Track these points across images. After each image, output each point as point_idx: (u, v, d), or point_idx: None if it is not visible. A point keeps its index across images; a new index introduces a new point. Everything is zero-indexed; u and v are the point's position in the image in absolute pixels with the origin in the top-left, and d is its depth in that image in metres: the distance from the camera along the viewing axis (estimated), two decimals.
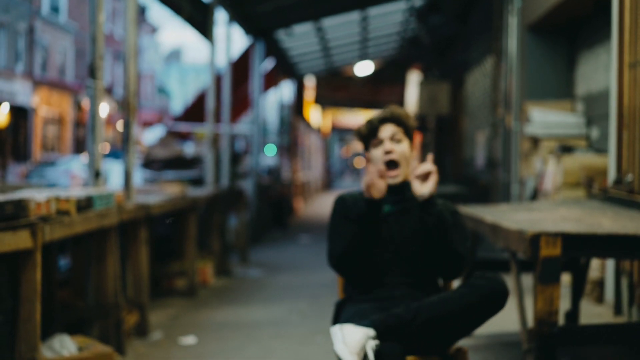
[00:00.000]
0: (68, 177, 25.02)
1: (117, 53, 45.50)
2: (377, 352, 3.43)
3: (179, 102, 63.92)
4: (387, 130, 3.86)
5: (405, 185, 3.87)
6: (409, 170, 3.85)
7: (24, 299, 4.84)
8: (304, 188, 29.64)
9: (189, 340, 7.10)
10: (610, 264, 7.39)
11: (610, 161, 7.27)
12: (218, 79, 13.05)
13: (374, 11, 17.59)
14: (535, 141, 10.09)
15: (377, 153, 3.86)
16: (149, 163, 12.46)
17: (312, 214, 24.94)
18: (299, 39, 19.00)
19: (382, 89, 28.09)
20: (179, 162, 12.58)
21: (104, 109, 6.67)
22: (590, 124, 9.84)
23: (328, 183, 50.99)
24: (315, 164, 40.44)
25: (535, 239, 4.02)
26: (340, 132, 57.52)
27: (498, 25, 13.26)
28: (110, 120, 41.00)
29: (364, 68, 25.22)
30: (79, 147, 39.92)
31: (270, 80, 20.68)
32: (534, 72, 10.99)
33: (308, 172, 34.06)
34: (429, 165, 3.68)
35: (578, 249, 4.12)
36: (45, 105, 36.18)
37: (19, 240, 4.62)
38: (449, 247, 3.67)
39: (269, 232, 17.35)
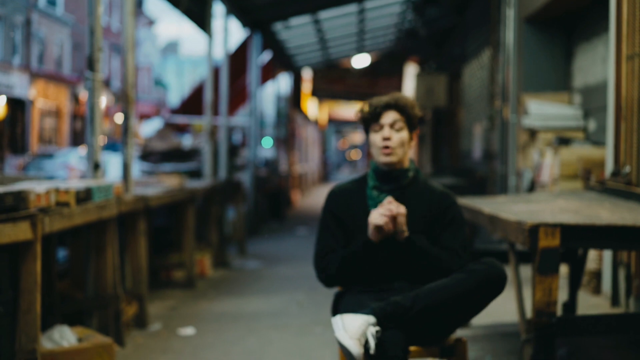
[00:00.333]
0: (66, 170, 25.01)
1: (113, 46, 45.46)
2: (379, 340, 3.45)
3: (176, 95, 63.89)
4: (389, 117, 3.87)
5: (401, 173, 3.88)
6: (406, 157, 3.89)
7: (24, 290, 4.85)
8: (301, 180, 29.66)
9: (188, 331, 7.12)
10: (607, 255, 7.41)
11: (607, 153, 7.29)
12: (215, 72, 13.06)
13: (370, 3, 17.59)
14: (532, 133, 10.11)
15: (375, 138, 3.88)
16: (147, 155, 12.47)
17: (309, 206, 24.95)
18: (296, 31, 18.99)
19: (379, 82, 28.10)
20: (176, 155, 12.58)
21: (102, 101, 6.67)
22: (587, 116, 9.85)
23: (325, 175, 51.02)
24: (312, 156, 40.45)
25: (534, 230, 4.04)
26: (336, 125, 57.53)
27: (495, 17, 13.26)
28: (108, 113, 40.97)
29: (361, 60, 25.22)
30: (76, 139, 39.89)
31: (268, 73, 20.67)
32: (531, 65, 11.00)
33: (305, 165, 34.07)
34: (392, 208, 3.71)
35: (577, 240, 4.14)
36: (42, 98, 36.14)
37: (19, 231, 4.64)
38: (439, 267, 3.74)
39: (266, 224, 17.37)
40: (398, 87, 27.92)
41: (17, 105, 33.87)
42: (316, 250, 3.94)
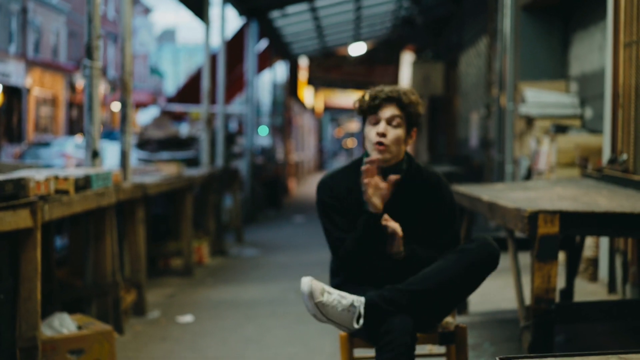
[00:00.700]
0: (62, 158, 25.01)
1: (109, 34, 45.38)
2: (388, 326, 3.43)
3: (172, 83, 63.80)
4: (388, 112, 3.71)
5: (394, 168, 3.74)
6: (401, 152, 3.76)
7: (24, 277, 4.87)
8: (297, 168, 29.68)
9: (187, 318, 7.14)
10: (604, 242, 7.44)
11: (604, 141, 7.31)
12: (212, 60, 13.04)
13: None
14: (529, 121, 10.12)
15: (371, 132, 3.73)
16: (144, 144, 12.46)
17: (305, 194, 24.98)
18: (293, 19, 18.97)
19: (375, 70, 28.08)
20: (174, 143, 12.58)
21: (100, 89, 6.68)
22: (584, 104, 9.87)
23: (321, 163, 51.06)
24: (308, 144, 40.46)
25: (533, 217, 4.05)
26: (332, 113, 57.50)
27: (492, 5, 13.26)
28: (104, 102, 40.93)
29: (358, 49, 25.21)
30: (73, 128, 39.85)
31: (264, 61, 20.66)
32: (528, 53, 11.01)
33: (301, 153, 34.09)
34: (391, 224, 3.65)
35: (576, 227, 4.15)
36: (38, 86, 36.09)
37: (19, 219, 4.65)
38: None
39: (263, 211, 17.38)
40: (394, 75, 27.91)
41: (13, 94, 33.82)
42: (330, 249, 3.83)
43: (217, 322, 7.06)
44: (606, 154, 7.09)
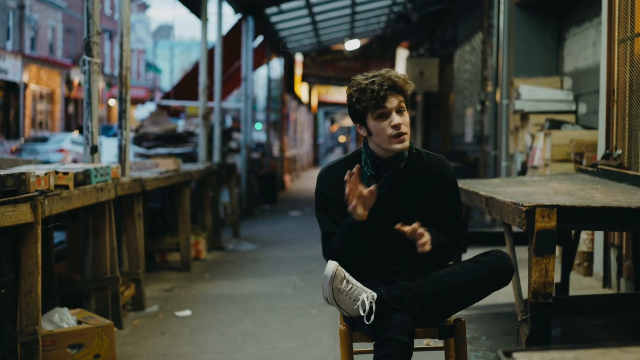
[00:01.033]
0: (59, 154, 25.04)
1: (105, 30, 45.32)
2: (388, 323, 3.44)
3: (168, 79, 63.74)
4: (394, 102, 3.61)
5: (398, 157, 3.69)
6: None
7: (24, 272, 4.91)
8: (293, 163, 29.70)
9: (185, 313, 7.18)
10: (599, 237, 7.49)
11: (599, 136, 7.35)
12: (209, 56, 13.07)
13: None
14: (523, 117, 10.16)
15: (382, 125, 3.61)
16: (140, 139, 12.49)
17: (301, 189, 25.01)
18: (289, 15, 18.98)
19: (370, 66, 27.95)
20: (171, 138, 12.61)
21: (99, 85, 6.71)
22: (578, 100, 9.91)
23: (316, 159, 51.08)
24: (303, 139, 40.48)
25: (531, 212, 4.09)
26: (327, 108, 57.51)
27: (487, 2, 13.31)
28: (100, 98, 40.88)
29: (352, 45, 25.23)
30: (69, 123, 39.83)
31: (260, 58, 20.68)
32: (522, 49, 11.04)
33: (297, 148, 34.11)
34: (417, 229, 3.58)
35: (573, 221, 4.19)
36: (35, 82, 36.07)
37: (20, 214, 4.69)
38: (444, 253, 3.71)
39: (259, 207, 17.41)
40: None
41: (10, 90, 33.81)
42: (322, 240, 3.80)
43: (215, 316, 7.10)
44: (601, 149, 7.13)
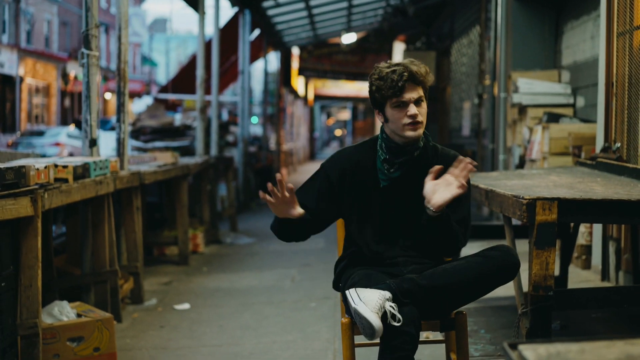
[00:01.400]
0: (55, 147, 25.02)
1: (100, 23, 45.27)
2: (394, 316, 3.45)
3: (163, 72, 63.68)
4: (413, 93, 3.67)
5: (413, 144, 3.73)
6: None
7: (24, 265, 4.91)
8: (289, 157, 29.71)
9: (184, 306, 7.19)
10: (597, 230, 7.50)
11: (598, 129, 7.36)
12: (206, 49, 13.06)
13: None
14: (521, 110, 10.16)
15: (399, 115, 3.67)
16: (138, 132, 12.47)
17: (298, 182, 24.85)
18: (285, 8, 18.97)
19: (367, 59, 28.06)
20: (168, 132, 12.60)
21: (98, 78, 6.71)
22: (575, 93, 9.91)
23: (313, 152, 51.08)
24: (300, 133, 40.48)
25: (531, 205, 4.09)
26: (324, 102, 57.51)
27: None
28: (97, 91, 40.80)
29: (348, 38, 25.21)
30: (65, 117, 39.78)
31: (257, 51, 20.67)
32: (520, 42, 11.03)
33: (293, 142, 34.12)
34: (457, 172, 3.58)
35: (573, 214, 4.20)
36: (31, 76, 36.02)
37: (20, 207, 4.68)
38: (451, 243, 3.72)
39: (256, 200, 17.41)
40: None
41: (6, 83, 33.76)
42: None
43: (214, 309, 7.11)
44: (599, 143, 7.14)
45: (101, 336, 5.37)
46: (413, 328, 3.45)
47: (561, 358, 1.81)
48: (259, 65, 24.55)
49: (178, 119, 13.76)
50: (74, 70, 40.34)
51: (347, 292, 3.52)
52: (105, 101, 44.61)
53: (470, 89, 15.30)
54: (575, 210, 4.16)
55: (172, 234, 9.80)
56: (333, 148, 71.07)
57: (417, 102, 3.69)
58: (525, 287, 4.49)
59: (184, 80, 19.52)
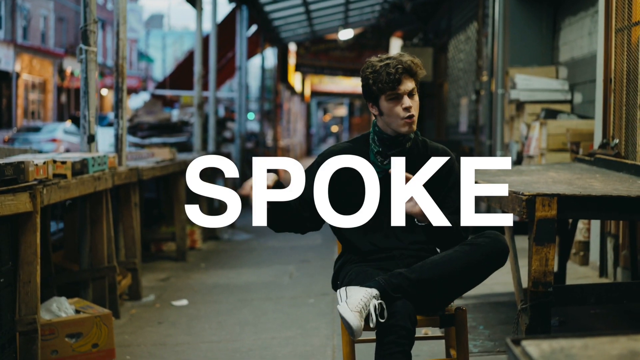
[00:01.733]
0: (52, 143, 24.99)
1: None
2: (390, 310, 3.45)
3: (160, 68, 63.61)
4: (407, 85, 3.71)
5: (405, 137, 3.78)
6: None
7: (23, 261, 4.90)
8: (286, 153, 29.70)
9: (182, 302, 7.18)
10: (595, 226, 7.50)
11: (596, 125, 7.36)
12: (203, 45, 13.04)
13: None
14: (519, 106, 10.17)
15: (394, 108, 3.71)
16: (135, 128, 12.46)
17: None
18: (283, 4, 18.95)
19: (364, 55, 28.03)
20: (165, 128, 12.59)
21: (96, 74, 6.70)
22: (573, 90, 9.92)
23: (309, 148, 51.08)
24: (296, 129, 40.47)
25: (531, 201, 4.09)
26: (320, 98, 57.50)
27: None
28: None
29: (345, 35, 25.22)
30: (62, 113, 39.74)
31: (254, 47, 20.66)
32: (517, 39, 11.03)
33: (290, 138, 34.11)
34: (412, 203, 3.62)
35: (573, 210, 4.20)
36: (27, 72, 35.97)
37: (19, 203, 4.68)
38: (446, 237, 3.73)
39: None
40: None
41: (2, 79, 33.72)
42: None
43: (212, 306, 7.10)
44: (598, 139, 7.15)
45: (100, 332, 5.37)
46: (408, 322, 3.45)
47: (564, 354, 1.81)
48: (255, 61, 24.55)
49: (175, 115, 13.75)
50: (70, 66, 40.29)
51: (338, 290, 3.56)
52: (101, 97, 44.56)
53: (468, 85, 15.30)
54: (575, 207, 4.16)
55: (170, 230, 9.79)
56: (329, 144, 71.08)
57: (411, 95, 3.74)
58: (525, 283, 4.49)
59: (181, 76, 19.51)
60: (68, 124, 28.79)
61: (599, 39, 7.11)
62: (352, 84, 38.66)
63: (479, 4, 13.82)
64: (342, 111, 71.87)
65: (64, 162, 5.53)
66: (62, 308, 5.51)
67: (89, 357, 5.31)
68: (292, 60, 29.17)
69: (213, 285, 8.02)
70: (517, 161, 9.95)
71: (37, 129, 28.32)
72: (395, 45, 25.50)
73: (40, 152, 8.05)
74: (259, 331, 6.14)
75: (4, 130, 30.93)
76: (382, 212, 3.77)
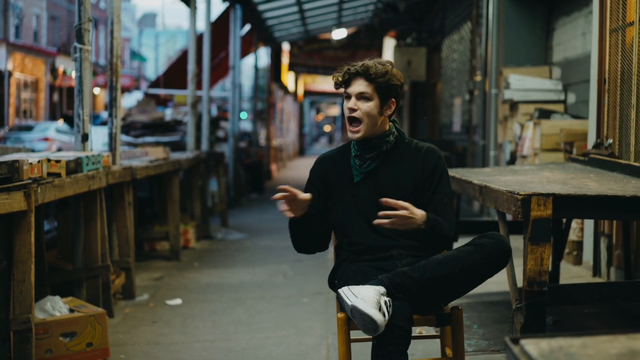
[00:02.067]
0: (44, 142, 24.95)
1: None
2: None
3: (153, 68, 63.52)
4: (357, 87, 3.78)
5: (379, 141, 3.83)
6: (383, 124, 3.82)
7: (18, 260, 4.89)
8: (279, 153, 29.69)
9: (176, 302, 7.17)
10: (588, 226, 7.52)
11: (590, 125, 7.37)
12: (198, 44, 13.03)
13: None
14: (512, 106, 10.18)
15: (344, 107, 3.85)
16: (128, 127, 12.44)
17: (288, 177, 24.99)
18: (276, 4, 18.94)
19: (357, 55, 28.03)
20: (158, 127, 12.57)
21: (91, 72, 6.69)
22: (566, 90, 9.93)
23: (302, 148, 51.06)
24: (289, 129, 40.46)
25: (526, 200, 4.10)
26: (313, 98, 57.48)
27: None
28: None
29: (338, 34, 25.21)
30: (54, 112, 39.66)
31: (247, 47, 20.63)
32: (511, 39, 11.04)
33: (283, 137, 34.11)
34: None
35: (568, 209, 4.21)
36: (19, 70, 35.89)
37: (14, 202, 4.66)
38: (439, 236, 3.75)
39: (246, 196, 17.40)
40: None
41: None
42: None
43: (206, 305, 7.10)
44: (591, 139, 7.16)
45: (94, 331, 5.36)
46: (406, 322, 3.46)
47: (564, 352, 1.81)
48: (248, 61, 24.51)
49: (168, 114, 13.73)
50: (62, 65, 40.21)
51: (340, 290, 3.52)
52: (94, 96, 44.46)
53: (461, 85, 15.31)
54: (570, 206, 4.17)
55: (163, 230, 9.78)
56: (322, 144, 71.08)
57: (361, 97, 3.78)
58: (520, 283, 4.50)
59: (174, 75, 19.47)
60: (60, 123, 28.75)
61: (593, 39, 7.12)
62: None
63: (472, 4, 13.83)
64: (334, 111, 71.87)
65: (58, 161, 5.52)
66: (57, 307, 5.50)
67: (83, 356, 5.30)
68: (285, 60, 29.16)
69: (207, 285, 8.02)
70: (511, 161, 9.97)
71: (29, 128, 28.27)
72: (389, 45, 25.51)
73: (32, 151, 8.04)
74: (253, 330, 6.14)
75: None
76: (368, 213, 3.80)
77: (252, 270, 8.82)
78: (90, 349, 5.33)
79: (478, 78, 13.18)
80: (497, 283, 7.15)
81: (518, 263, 4.73)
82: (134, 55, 59.87)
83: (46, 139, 25.79)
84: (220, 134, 16.44)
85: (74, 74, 6.55)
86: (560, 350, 1.83)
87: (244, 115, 26.47)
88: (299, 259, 9.42)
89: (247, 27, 19.80)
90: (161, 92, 20.25)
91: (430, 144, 3.94)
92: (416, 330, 5.31)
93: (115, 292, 6.97)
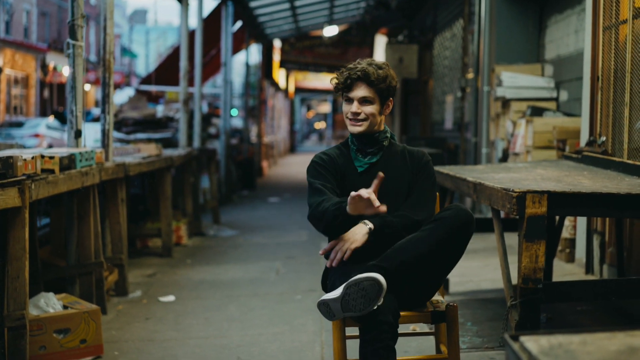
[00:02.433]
0: (35, 138, 24.89)
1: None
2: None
3: (143, 64, 63.43)
4: (360, 91, 3.88)
5: (379, 135, 3.95)
6: (380, 123, 3.93)
7: (12, 257, 4.88)
8: (270, 149, 29.69)
9: (169, 298, 7.17)
10: (581, 224, 7.53)
11: (582, 123, 7.39)
12: (189, 41, 13.01)
13: None
14: (504, 104, 10.20)
15: (346, 109, 3.93)
16: (119, 124, 12.42)
17: (279, 175, 25.00)
18: (268, 0, 18.93)
19: (349, 52, 28.04)
20: (150, 123, 12.55)
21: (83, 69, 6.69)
22: (559, 87, 9.95)
23: (293, 145, 51.06)
24: (280, 126, 40.45)
25: (521, 198, 4.11)
26: (304, 95, 57.47)
27: None
28: None
29: (330, 30, 25.21)
30: (44, 108, 39.55)
31: (239, 44, 20.62)
32: (504, 36, 11.06)
33: (274, 134, 34.10)
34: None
35: (563, 207, 4.22)
36: (10, 67, 35.78)
37: (8, 198, 4.66)
38: (408, 225, 3.79)
39: (238, 192, 17.40)
40: (368, 57, 27.87)
41: None
42: (312, 194, 3.84)
43: (199, 302, 7.09)
44: (584, 136, 7.17)
45: (88, 328, 5.36)
46: (390, 317, 3.48)
47: (563, 349, 1.82)
48: (239, 57, 24.48)
49: (160, 110, 13.72)
50: (53, 61, 40.10)
51: (317, 305, 3.62)
52: (85, 92, 44.36)
53: (453, 83, 15.32)
54: (565, 204, 4.18)
55: (155, 226, 9.77)
56: (313, 141, 71.06)
57: (363, 102, 3.89)
58: (514, 280, 4.51)
59: (166, 71, 19.45)
60: (51, 119, 28.69)
61: (587, 37, 7.13)
62: None
63: (464, 1, 13.84)
64: (325, 108, 71.87)
65: (52, 157, 5.51)
66: (50, 304, 5.49)
67: (77, 353, 5.30)
68: (276, 57, 29.14)
69: (199, 282, 8.01)
70: (503, 158, 9.98)
71: (19, 124, 28.20)
72: (381, 42, 25.50)
73: (24, 147, 8.03)
74: (247, 327, 6.14)
75: None
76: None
77: (245, 267, 8.81)
78: (84, 345, 5.33)
79: (470, 75, 13.19)
80: (491, 280, 7.19)
81: (512, 260, 4.75)
82: (125, 51, 59.76)
83: (37, 135, 25.73)
84: (212, 130, 16.43)
85: (64, 70, 6.55)
86: (560, 347, 1.83)
87: (234, 112, 26.45)
88: (291, 255, 9.43)
89: (239, 23, 19.78)
90: (153, 88, 20.23)
91: (422, 150, 4.08)
92: (410, 327, 5.32)
93: (108, 289, 6.96)
